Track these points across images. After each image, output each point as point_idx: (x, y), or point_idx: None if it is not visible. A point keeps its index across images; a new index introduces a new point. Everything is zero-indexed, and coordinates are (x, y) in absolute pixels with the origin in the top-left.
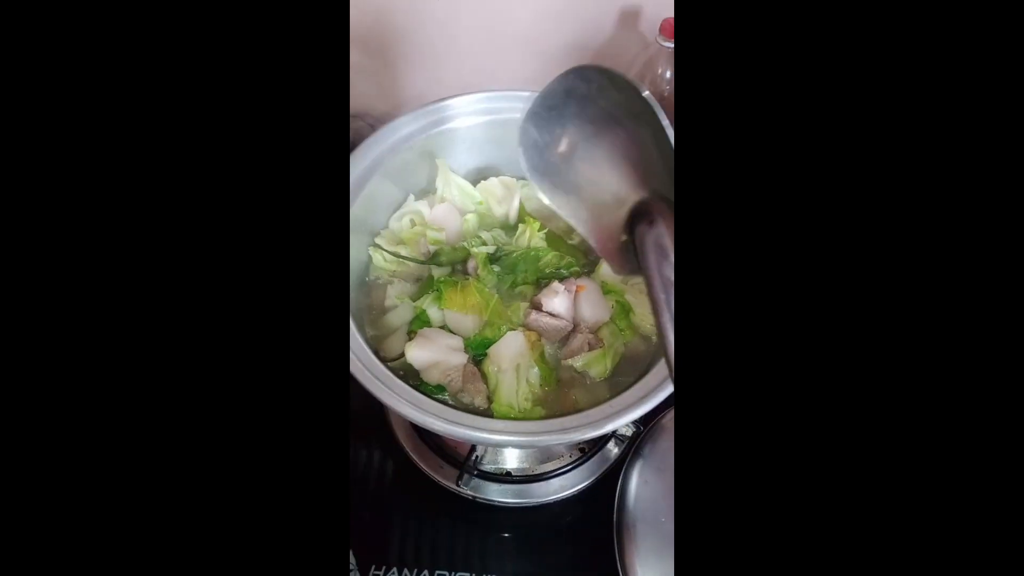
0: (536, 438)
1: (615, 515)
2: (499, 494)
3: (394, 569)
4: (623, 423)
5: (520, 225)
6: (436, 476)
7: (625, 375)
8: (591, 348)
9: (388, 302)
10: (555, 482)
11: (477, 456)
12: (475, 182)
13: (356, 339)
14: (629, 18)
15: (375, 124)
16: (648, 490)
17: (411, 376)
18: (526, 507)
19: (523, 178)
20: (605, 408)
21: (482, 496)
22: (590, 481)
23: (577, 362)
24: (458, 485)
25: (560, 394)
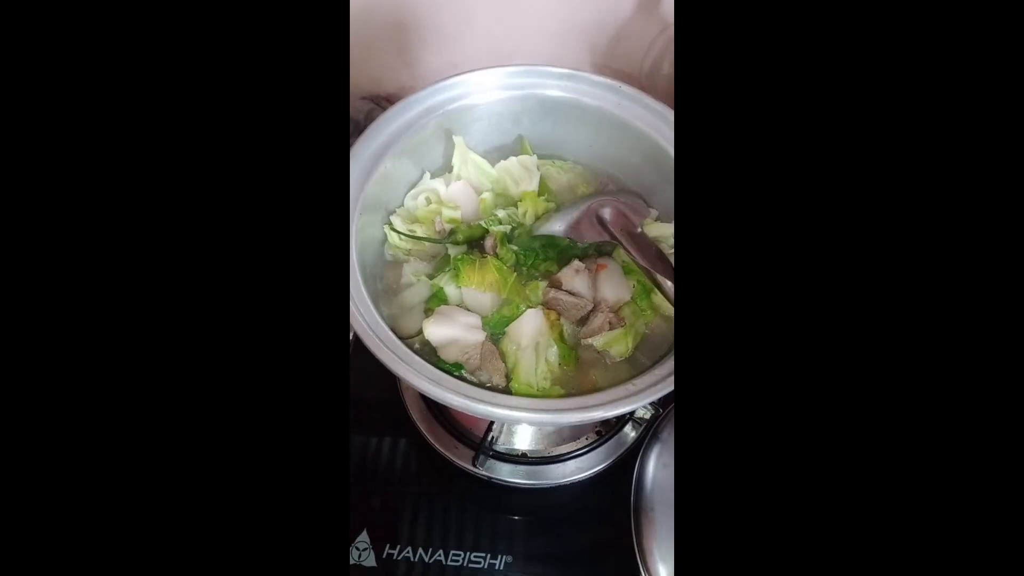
0: (554, 416)
1: (632, 499)
2: (514, 475)
3: (408, 549)
4: (644, 403)
5: (519, 204)
6: (451, 456)
7: (646, 356)
8: (612, 327)
9: (404, 280)
10: (571, 464)
11: (493, 437)
12: (493, 160)
13: (373, 316)
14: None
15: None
16: (667, 474)
17: (428, 354)
18: (541, 488)
19: (545, 156)
20: (627, 387)
21: (497, 477)
22: (607, 464)
23: (598, 341)
24: (474, 465)
25: (579, 374)
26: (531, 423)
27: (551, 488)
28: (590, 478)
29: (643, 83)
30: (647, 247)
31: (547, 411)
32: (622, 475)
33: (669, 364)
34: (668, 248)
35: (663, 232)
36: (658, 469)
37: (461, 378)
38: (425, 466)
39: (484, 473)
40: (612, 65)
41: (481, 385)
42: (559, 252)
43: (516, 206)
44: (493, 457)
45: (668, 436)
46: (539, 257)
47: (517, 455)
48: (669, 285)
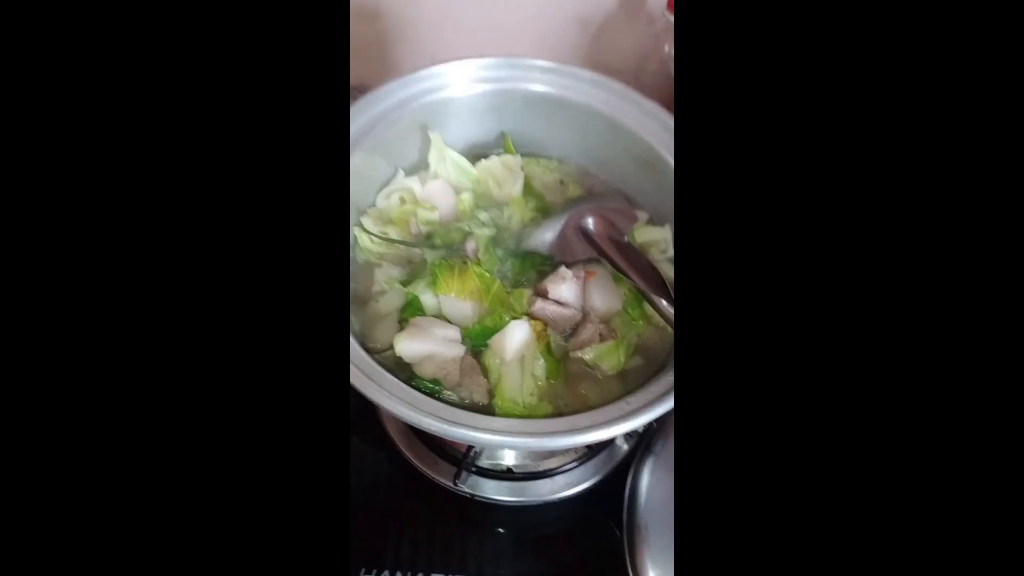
0: (543, 440)
1: (625, 515)
2: (499, 492)
3: (386, 572)
4: (639, 424)
5: (505, 208)
6: (431, 473)
7: (640, 369)
8: (602, 339)
9: (376, 287)
10: (559, 479)
11: (475, 452)
12: (472, 158)
13: None
14: None
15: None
16: (661, 489)
17: (403, 369)
18: (528, 506)
19: (528, 154)
20: (621, 406)
21: (481, 494)
22: (597, 479)
23: (587, 354)
24: (455, 484)
25: (568, 388)
26: (516, 448)
27: (539, 505)
28: (580, 494)
29: (629, 79)
30: (638, 259)
31: (534, 435)
32: (614, 490)
33: (665, 380)
34: (660, 253)
35: (654, 236)
36: (652, 483)
37: (439, 397)
38: (403, 484)
39: (467, 490)
40: (596, 63)
41: (461, 403)
42: (544, 261)
43: (500, 208)
44: (476, 473)
45: (662, 449)
46: (524, 264)
47: (502, 471)
48: (665, 305)
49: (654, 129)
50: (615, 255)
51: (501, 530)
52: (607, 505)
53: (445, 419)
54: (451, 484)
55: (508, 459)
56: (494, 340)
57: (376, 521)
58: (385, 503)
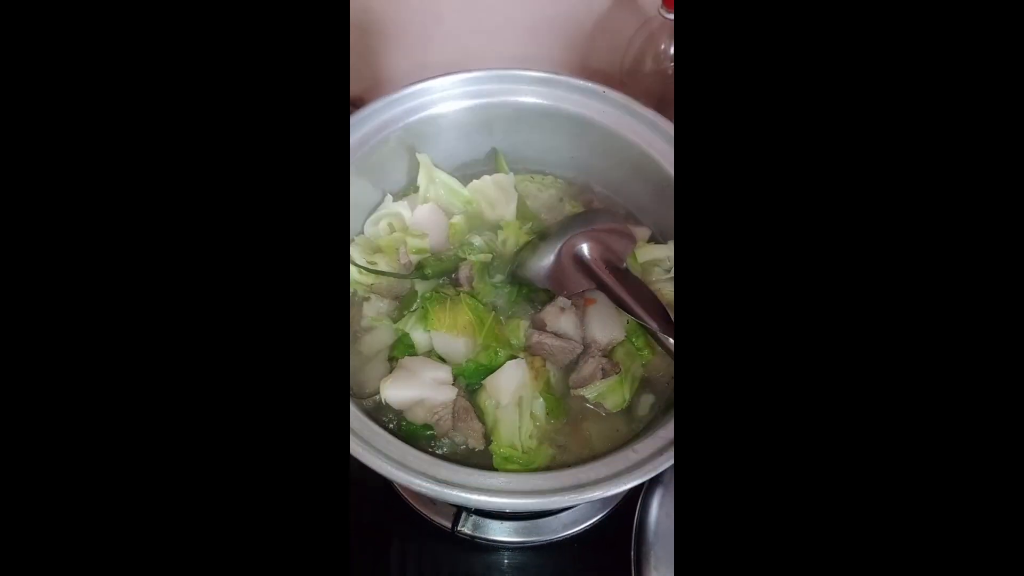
0: (548, 499)
1: (633, 551)
2: (502, 532)
3: None
4: (650, 476)
5: (500, 233)
6: (428, 514)
7: (647, 403)
8: (605, 375)
9: (364, 322)
10: (564, 516)
11: None
12: (463, 178)
13: None
14: None
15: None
16: (670, 522)
17: (391, 412)
18: (532, 546)
19: (522, 171)
20: (627, 455)
21: (482, 535)
22: (603, 514)
23: (590, 393)
24: (454, 530)
25: (570, 428)
26: (518, 509)
27: (543, 545)
28: (587, 530)
29: (624, 81)
30: (638, 290)
31: (536, 493)
32: (622, 526)
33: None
34: (664, 273)
35: (656, 255)
36: (661, 519)
37: (430, 448)
38: (398, 525)
39: (468, 532)
40: (590, 64)
41: (455, 454)
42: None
43: (494, 232)
44: (476, 513)
45: (671, 479)
46: (520, 292)
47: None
48: (670, 343)
49: (654, 140)
50: (614, 285)
51: (505, 573)
52: (616, 542)
53: (436, 479)
54: (448, 525)
55: None
56: (489, 382)
57: (369, 565)
58: (379, 546)
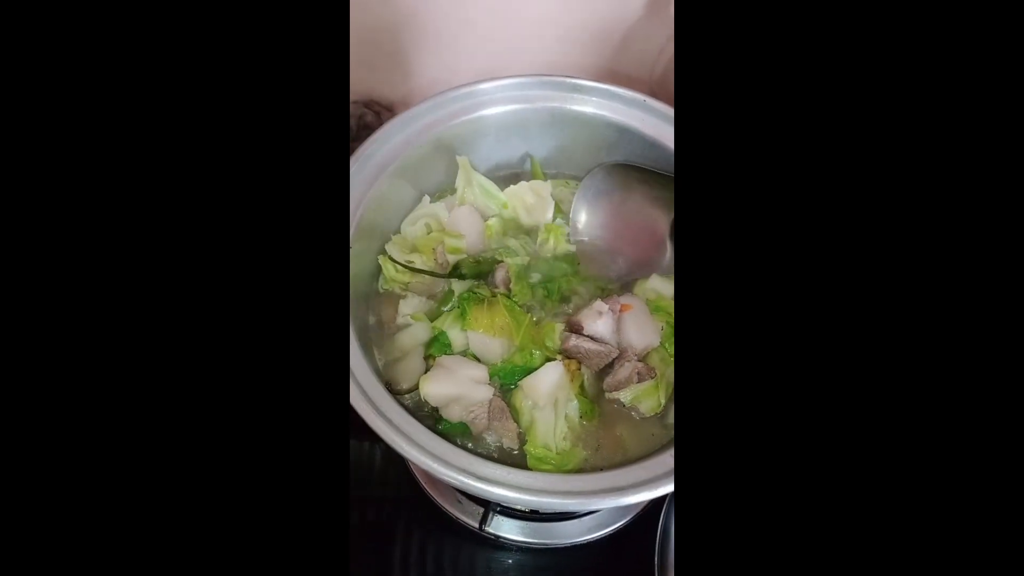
0: (584, 500)
1: (656, 558)
2: (524, 533)
3: None
4: None
5: (540, 234)
6: (454, 512)
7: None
8: (640, 379)
9: (400, 319)
10: (587, 520)
11: None
12: (498, 179)
13: (361, 364)
14: (659, 1)
15: (382, 113)
16: None
17: (427, 409)
18: (555, 548)
19: (556, 176)
20: (663, 460)
21: (506, 536)
22: (628, 520)
23: (625, 396)
24: (481, 529)
25: (603, 430)
26: (551, 509)
27: (567, 547)
28: (610, 535)
29: (654, 90)
30: None
31: (572, 495)
32: (644, 530)
33: None
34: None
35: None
36: None
37: (465, 445)
38: (425, 524)
39: (492, 532)
40: (619, 70)
41: (489, 453)
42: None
43: (529, 235)
44: (500, 513)
45: None
46: (554, 296)
47: (527, 510)
48: None
49: None
50: None
51: (527, 574)
52: (638, 547)
53: (473, 474)
54: (475, 524)
55: None
56: (526, 383)
57: (395, 562)
58: (406, 545)
